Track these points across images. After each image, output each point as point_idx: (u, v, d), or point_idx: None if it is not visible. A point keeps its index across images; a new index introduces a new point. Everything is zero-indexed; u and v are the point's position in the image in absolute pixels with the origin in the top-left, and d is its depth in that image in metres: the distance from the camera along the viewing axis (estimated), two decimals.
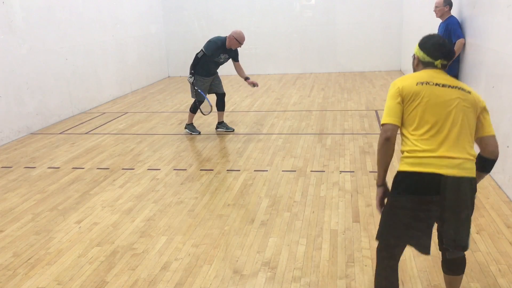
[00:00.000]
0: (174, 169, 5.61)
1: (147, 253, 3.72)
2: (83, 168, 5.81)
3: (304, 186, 4.88)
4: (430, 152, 2.33)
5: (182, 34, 13.04)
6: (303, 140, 6.51)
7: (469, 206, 2.42)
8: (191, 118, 7.08)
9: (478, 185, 4.83)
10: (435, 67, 2.54)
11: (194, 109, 6.97)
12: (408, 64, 11.01)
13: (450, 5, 6.01)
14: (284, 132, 6.97)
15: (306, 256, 3.55)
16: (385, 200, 2.56)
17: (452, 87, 2.43)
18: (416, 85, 2.43)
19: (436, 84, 2.42)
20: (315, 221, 4.11)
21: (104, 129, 7.73)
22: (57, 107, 8.40)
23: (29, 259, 3.73)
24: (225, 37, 6.67)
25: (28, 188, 5.23)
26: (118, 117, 8.54)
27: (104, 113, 8.93)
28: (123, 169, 5.71)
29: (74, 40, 8.90)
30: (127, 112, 8.89)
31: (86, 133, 7.51)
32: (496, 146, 2.54)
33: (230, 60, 6.87)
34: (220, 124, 7.21)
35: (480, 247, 3.54)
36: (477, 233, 3.75)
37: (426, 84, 2.43)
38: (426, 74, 2.50)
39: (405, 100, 2.42)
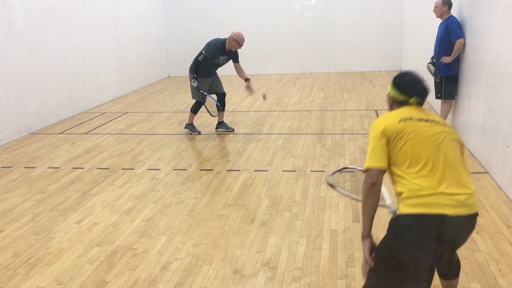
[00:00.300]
0: (174, 169, 5.61)
1: (147, 253, 3.72)
2: (83, 168, 5.81)
3: (304, 186, 4.88)
4: (432, 189, 2.17)
5: (182, 34, 13.04)
6: (303, 140, 6.51)
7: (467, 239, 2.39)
8: (191, 118, 7.08)
9: (478, 185, 4.83)
10: (410, 104, 2.46)
11: (195, 109, 6.98)
12: (408, 64, 11.01)
13: (449, 5, 5.97)
14: (284, 132, 6.97)
15: (306, 256, 3.55)
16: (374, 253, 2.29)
17: (434, 121, 2.35)
18: (399, 122, 2.32)
19: (419, 120, 2.33)
20: (315, 221, 4.11)
21: (104, 129, 7.73)
22: (57, 107, 8.40)
23: (29, 259, 3.73)
24: (225, 39, 6.68)
25: (28, 188, 5.23)
26: (118, 117, 8.54)
27: (104, 113, 8.93)
28: (123, 169, 5.71)
29: (74, 40, 8.90)
30: (127, 112, 8.89)
31: (86, 133, 7.51)
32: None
33: (231, 61, 6.88)
34: (220, 124, 7.19)
35: (480, 247, 3.54)
36: (477, 233, 3.75)
37: (409, 120, 2.32)
38: (405, 111, 2.41)
39: (390, 140, 2.29)
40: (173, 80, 12.75)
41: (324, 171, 5.29)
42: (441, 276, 2.65)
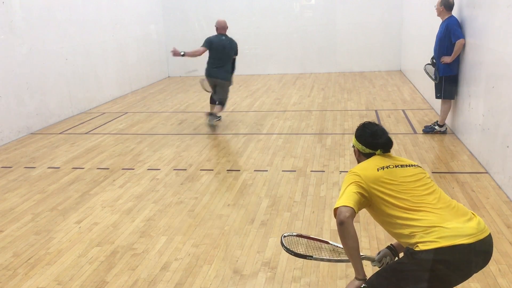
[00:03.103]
0: (174, 169, 5.61)
1: (147, 253, 3.72)
2: (83, 168, 5.81)
3: (304, 186, 4.88)
4: (442, 222, 2.12)
5: (182, 34, 13.03)
6: (303, 140, 6.51)
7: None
8: (211, 107, 7.62)
9: (478, 185, 4.82)
10: (377, 155, 2.47)
11: (212, 100, 7.59)
12: (408, 64, 11.02)
13: (445, 5, 5.92)
14: (284, 132, 6.97)
15: None
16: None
17: (409, 165, 2.39)
18: (378, 171, 2.31)
19: (396, 166, 2.35)
20: (315, 221, 4.11)
21: (104, 129, 7.73)
22: (57, 107, 8.40)
23: (29, 259, 3.72)
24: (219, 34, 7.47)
25: (28, 188, 5.23)
26: (118, 117, 8.54)
27: (104, 113, 8.92)
28: (123, 169, 5.71)
29: (74, 40, 8.90)
30: (127, 112, 8.88)
31: (86, 133, 7.51)
32: None
33: (236, 61, 7.54)
34: (210, 115, 7.41)
35: None
36: None
37: (387, 168, 2.33)
38: (378, 160, 2.41)
39: (371, 190, 2.24)
40: (173, 80, 12.74)
41: (324, 171, 5.29)
42: None
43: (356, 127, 2.62)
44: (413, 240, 2.14)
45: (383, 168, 2.33)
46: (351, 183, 2.28)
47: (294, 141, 6.48)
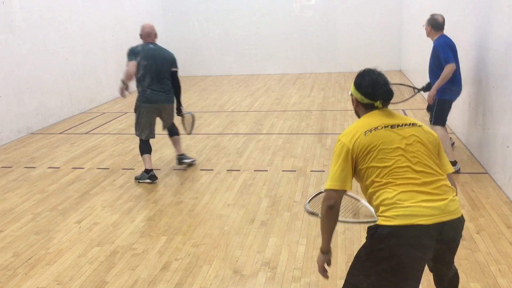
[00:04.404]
0: (174, 169, 5.61)
1: (147, 253, 3.72)
2: (83, 168, 5.81)
3: (304, 186, 4.88)
4: (409, 199, 2.08)
5: (182, 34, 13.04)
6: (303, 140, 6.51)
7: (457, 246, 2.25)
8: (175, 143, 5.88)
9: (478, 185, 4.83)
10: (376, 108, 2.35)
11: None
12: (408, 64, 11.02)
13: (433, 25, 5.11)
14: (284, 132, 6.97)
15: (306, 256, 3.55)
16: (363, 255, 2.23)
17: (402, 125, 2.24)
18: (365, 135, 2.20)
19: (385, 127, 2.22)
20: (315, 221, 4.11)
21: (104, 129, 7.73)
22: (57, 107, 8.40)
23: (29, 259, 3.72)
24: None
25: (28, 188, 5.23)
26: (118, 117, 8.54)
27: (104, 113, 8.92)
28: (123, 169, 5.70)
29: (74, 40, 8.90)
30: (127, 112, 8.88)
31: (86, 133, 7.50)
32: (454, 184, 2.30)
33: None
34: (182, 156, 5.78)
35: (480, 247, 3.54)
36: (477, 233, 3.75)
37: (375, 130, 2.21)
38: (370, 119, 2.30)
39: (358, 158, 2.19)
40: None
41: (324, 171, 5.29)
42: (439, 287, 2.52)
43: (357, 74, 2.44)
44: (377, 213, 2.18)
45: (370, 130, 2.21)
46: (340, 159, 2.21)
47: (294, 141, 6.48)
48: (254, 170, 5.44)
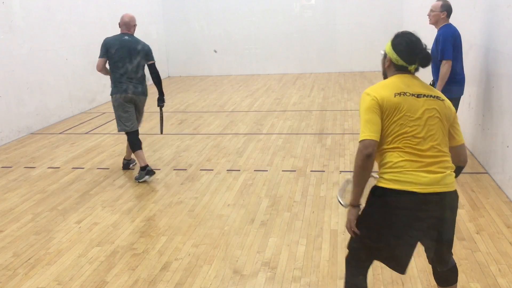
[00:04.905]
0: (174, 169, 5.61)
1: (147, 253, 3.72)
2: (83, 168, 5.81)
3: (304, 186, 4.88)
4: (410, 168, 2.21)
5: (182, 34, 13.04)
6: (303, 140, 6.51)
7: (452, 223, 2.37)
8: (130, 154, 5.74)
9: (478, 185, 4.82)
10: (408, 72, 2.37)
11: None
12: None
13: (448, 11, 4.85)
14: (284, 132, 6.97)
15: (306, 256, 3.55)
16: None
17: (428, 96, 2.30)
18: (395, 96, 2.26)
19: (412, 95, 2.28)
20: (315, 221, 4.11)
21: (104, 129, 7.73)
22: (57, 107, 8.40)
23: (29, 259, 3.72)
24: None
25: (28, 188, 5.23)
26: None
27: (104, 113, 8.92)
28: (123, 169, 5.70)
29: (74, 40, 8.90)
30: None
31: (86, 133, 7.51)
32: (466, 154, 2.45)
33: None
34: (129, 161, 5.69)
35: (480, 247, 3.54)
36: (477, 233, 3.75)
37: (404, 95, 2.27)
38: (400, 82, 2.33)
39: (385, 113, 2.25)
40: (173, 80, 12.74)
41: (324, 171, 5.29)
42: (438, 283, 2.61)
43: (395, 34, 2.43)
44: (378, 173, 2.31)
45: (400, 94, 2.27)
46: (372, 111, 2.25)
47: (294, 141, 6.48)
48: (254, 170, 5.44)
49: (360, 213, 2.36)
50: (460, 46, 4.90)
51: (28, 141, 7.16)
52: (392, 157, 2.24)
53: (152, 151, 6.37)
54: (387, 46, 2.42)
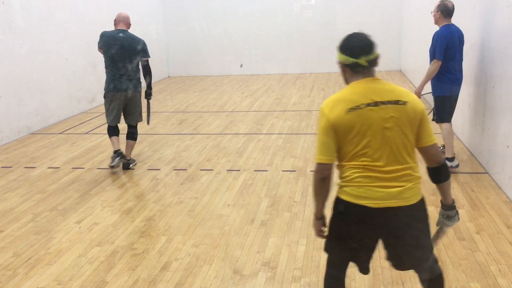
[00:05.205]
0: (174, 169, 5.61)
1: (147, 253, 3.72)
2: (83, 168, 5.81)
3: (304, 186, 4.88)
4: (366, 183, 2.21)
5: (182, 34, 13.04)
6: (303, 140, 6.51)
7: (421, 232, 2.32)
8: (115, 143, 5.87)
9: (478, 185, 4.82)
10: (364, 68, 2.26)
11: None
12: (408, 64, 11.02)
13: (443, 11, 4.95)
14: (284, 132, 6.97)
15: (306, 256, 3.55)
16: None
17: (386, 103, 2.18)
18: (347, 113, 2.18)
19: (368, 104, 2.18)
20: None
21: (104, 129, 7.69)
22: (57, 107, 8.40)
23: (29, 259, 3.73)
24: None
25: (28, 188, 5.23)
26: None
27: (104, 113, 8.92)
28: (123, 169, 5.70)
29: (74, 40, 8.90)
30: None
31: (86, 133, 7.51)
32: (437, 154, 2.31)
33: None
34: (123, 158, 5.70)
35: (480, 247, 3.54)
36: (477, 233, 3.75)
37: (357, 109, 2.18)
38: (356, 91, 2.24)
39: (339, 134, 2.22)
40: (173, 80, 12.75)
41: None
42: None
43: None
44: (338, 183, 2.35)
45: (353, 109, 2.18)
46: (323, 132, 2.24)
47: (294, 141, 6.48)
48: (254, 170, 5.44)
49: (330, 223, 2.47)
50: (457, 46, 4.96)
51: (28, 141, 7.16)
52: (350, 172, 2.25)
53: (152, 151, 6.37)
54: (337, 54, 2.37)
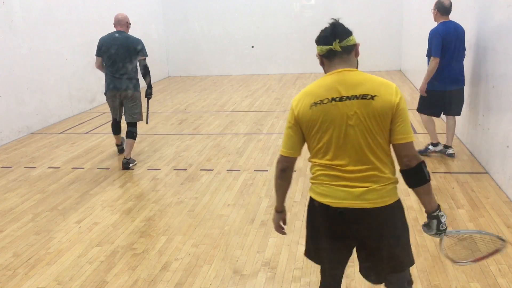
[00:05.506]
0: (174, 169, 5.61)
1: (147, 253, 3.72)
2: (83, 168, 5.81)
3: (304, 186, 4.88)
4: (328, 181, 2.15)
5: (182, 34, 13.04)
6: None
7: (391, 240, 2.15)
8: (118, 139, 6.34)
9: (478, 185, 4.81)
10: (340, 58, 2.14)
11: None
12: (408, 64, 11.02)
13: (439, 9, 5.06)
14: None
15: None
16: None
17: (352, 98, 2.05)
18: (310, 108, 2.11)
19: (333, 99, 2.07)
20: None
21: (104, 129, 7.73)
22: (57, 107, 8.40)
23: (29, 259, 3.73)
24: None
25: (28, 188, 5.23)
26: None
27: (104, 113, 8.92)
28: (123, 169, 5.70)
29: (74, 40, 8.90)
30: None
31: (86, 133, 7.51)
32: (408, 155, 2.09)
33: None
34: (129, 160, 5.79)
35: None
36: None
37: (321, 103, 2.09)
38: (325, 84, 2.13)
39: (302, 128, 2.18)
40: (173, 80, 12.75)
41: None
42: None
43: None
44: (310, 181, 2.32)
45: (316, 104, 2.10)
46: (289, 125, 2.23)
47: None
48: (254, 170, 5.44)
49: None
50: (453, 43, 5.04)
51: (28, 141, 7.16)
52: (315, 169, 2.25)
53: (152, 151, 6.37)
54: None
